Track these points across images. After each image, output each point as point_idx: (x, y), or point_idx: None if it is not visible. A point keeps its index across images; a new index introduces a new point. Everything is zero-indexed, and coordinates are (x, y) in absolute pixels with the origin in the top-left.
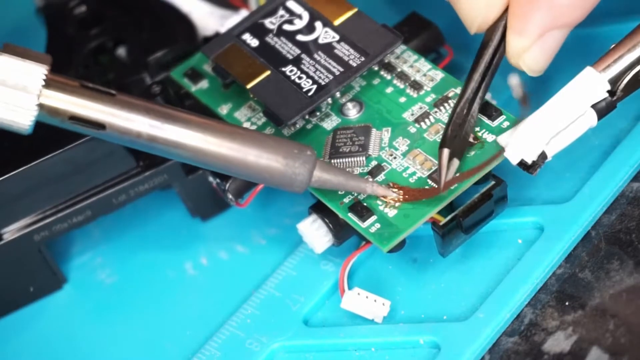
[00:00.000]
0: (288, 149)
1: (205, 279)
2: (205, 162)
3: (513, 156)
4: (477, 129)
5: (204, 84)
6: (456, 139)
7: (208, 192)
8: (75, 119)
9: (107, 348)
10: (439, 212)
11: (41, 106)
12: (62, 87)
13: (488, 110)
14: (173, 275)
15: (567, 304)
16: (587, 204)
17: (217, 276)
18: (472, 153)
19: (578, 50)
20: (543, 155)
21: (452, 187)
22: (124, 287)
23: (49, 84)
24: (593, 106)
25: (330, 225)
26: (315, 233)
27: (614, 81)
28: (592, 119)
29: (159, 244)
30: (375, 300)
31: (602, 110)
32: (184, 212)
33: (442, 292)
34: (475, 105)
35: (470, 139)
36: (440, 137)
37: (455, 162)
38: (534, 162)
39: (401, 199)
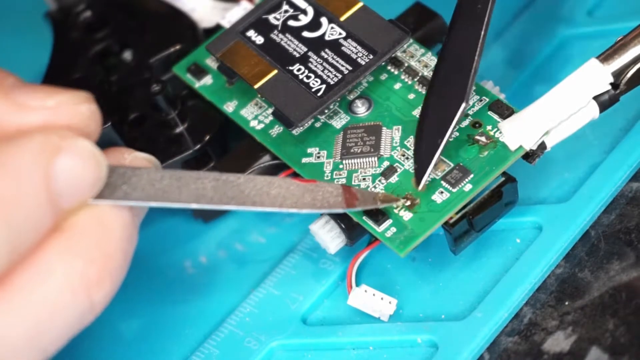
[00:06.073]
0: None
1: (204, 277)
2: None
3: (511, 142)
4: (489, 127)
5: (207, 79)
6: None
7: None
8: None
9: (106, 346)
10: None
11: None
12: None
13: (500, 108)
14: (172, 273)
15: (566, 303)
16: (585, 203)
17: (216, 274)
18: (485, 153)
19: (579, 50)
20: (542, 146)
21: (466, 190)
22: (123, 286)
23: None
24: (595, 98)
25: (343, 226)
26: (328, 234)
27: (618, 74)
28: (594, 111)
29: (159, 243)
30: (382, 298)
31: (605, 103)
32: (183, 210)
33: (440, 291)
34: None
35: (483, 139)
36: (451, 138)
37: None
38: (532, 151)
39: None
